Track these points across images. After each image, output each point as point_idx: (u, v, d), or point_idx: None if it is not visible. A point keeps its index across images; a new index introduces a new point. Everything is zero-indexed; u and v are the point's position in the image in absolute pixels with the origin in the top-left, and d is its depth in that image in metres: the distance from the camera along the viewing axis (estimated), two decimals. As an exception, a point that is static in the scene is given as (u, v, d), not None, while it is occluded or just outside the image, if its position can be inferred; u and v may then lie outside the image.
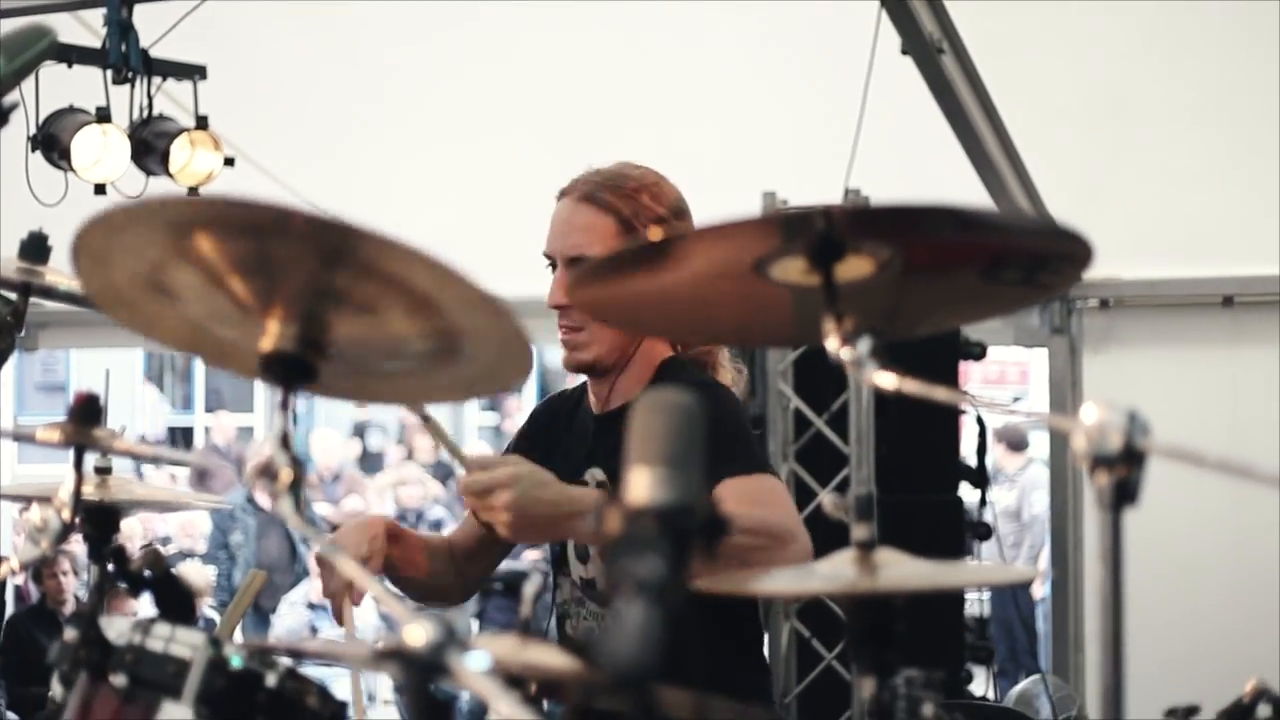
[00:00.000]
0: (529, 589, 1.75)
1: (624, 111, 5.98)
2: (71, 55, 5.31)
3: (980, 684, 6.53)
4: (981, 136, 5.59)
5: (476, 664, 1.36)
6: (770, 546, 2.40)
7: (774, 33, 5.83)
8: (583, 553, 2.82)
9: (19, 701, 6.62)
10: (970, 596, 8.04)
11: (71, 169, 5.37)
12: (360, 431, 15.46)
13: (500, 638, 1.77)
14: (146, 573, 1.95)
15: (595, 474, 2.77)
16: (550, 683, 1.85)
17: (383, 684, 10.21)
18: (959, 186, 5.64)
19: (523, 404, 13.23)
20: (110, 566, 1.98)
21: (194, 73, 5.62)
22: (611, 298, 1.94)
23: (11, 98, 1.96)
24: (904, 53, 5.13)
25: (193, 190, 5.61)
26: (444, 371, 1.81)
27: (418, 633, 1.35)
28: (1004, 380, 14.13)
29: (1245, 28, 5.31)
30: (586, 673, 1.63)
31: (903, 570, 1.94)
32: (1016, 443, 10.80)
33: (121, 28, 5.37)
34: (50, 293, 2.87)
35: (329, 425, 14.85)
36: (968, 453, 6.08)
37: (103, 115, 5.40)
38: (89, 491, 2.54)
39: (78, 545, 6.23)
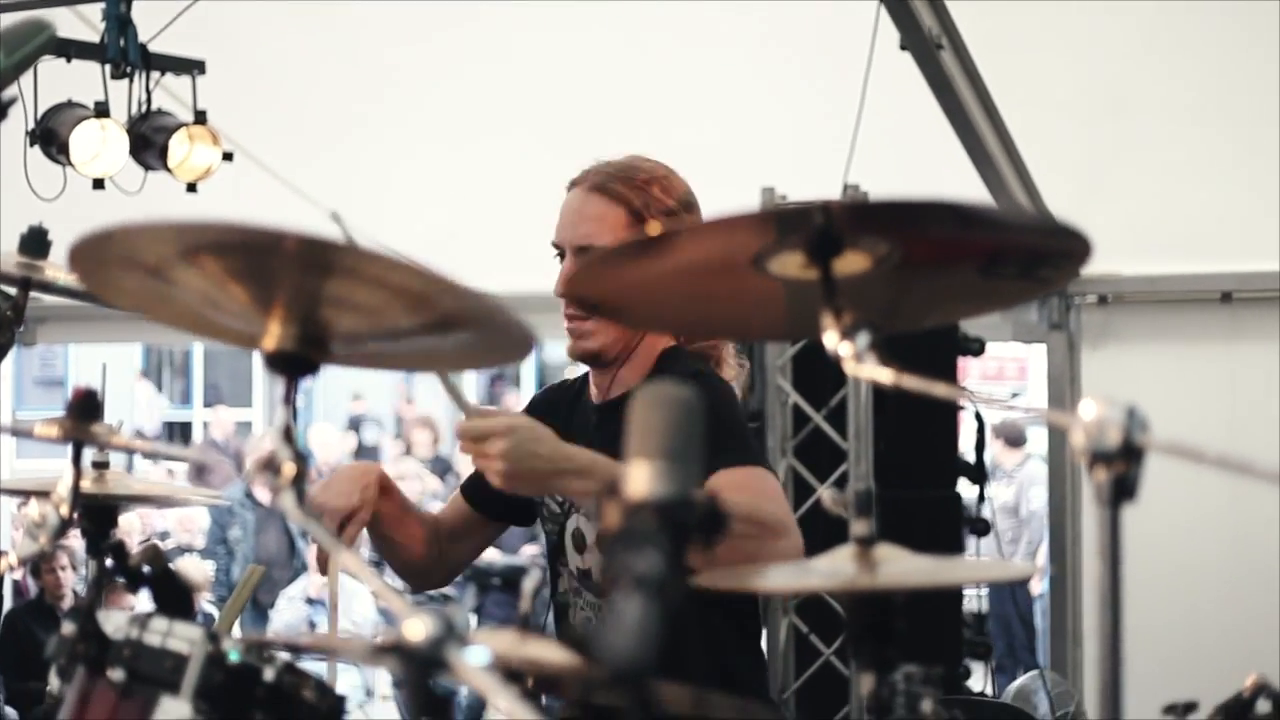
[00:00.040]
0: (528, 584, 1.75)
1: (624, 110, 5.97)
2: (70, 50, 5.30)
3: (978, 680, 6.53)
4: (980, 132, 5.59)
5: (475, 659, 1.36)
6: (761, 536, 2.39)
7: (773, 29, 5.82)
8: (580, 543, 2.82)
9: (17, 696, 6.61)
10: (968, 592, 8.04)
11: (70, 164, 5.36)
12: (356, 426, 15.45)
13: (499, 633, 1.77)
14: (145, 568, 1.95)
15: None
16: (548, 678, 1.85)
17: (382, 679, 10.23)
18: (958, 182, 5.63)
19: (521, 399, 13.22)
20: (108, 561, 1.98)
21: (192, 68, 5.62)
22: (610, 291, 1.94)
23: (10, 92, 1.96)
24: (903, 48, 5.12)
25: (191, 186, 5.61)
26: (449, 340, 1.81)
27: (417, 628, 1.35)
28: (1002, 376, 14.15)
29: (1244, 26, 5.30)
30: (584, 668, 1.63)
31: (902, 566, 1.94)
32: (1015, 438, 10.80)
33: (120, 22, 5.36)
34: (50, 287, 2.87)
35: (325, 420, 14.86)
36: (966, 448, 6.08)
37: (101, 110, 5.40)
38: (87, 486, 2.53)
39: (76, 540, 6.23)
